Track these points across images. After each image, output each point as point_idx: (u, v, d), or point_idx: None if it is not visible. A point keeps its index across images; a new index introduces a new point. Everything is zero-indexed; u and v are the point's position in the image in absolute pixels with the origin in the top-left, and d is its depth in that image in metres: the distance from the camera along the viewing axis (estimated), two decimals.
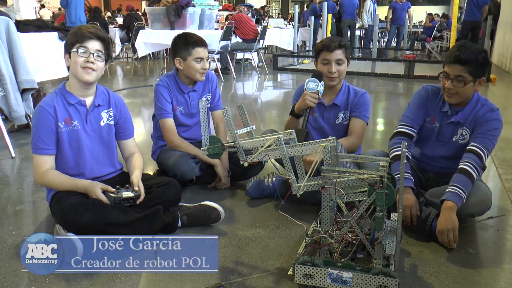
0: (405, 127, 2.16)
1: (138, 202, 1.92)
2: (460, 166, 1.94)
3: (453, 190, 1.87)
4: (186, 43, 2.48)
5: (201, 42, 2.51)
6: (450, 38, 13.03)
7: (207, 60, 2.53)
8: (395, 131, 2.19)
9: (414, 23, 20.54)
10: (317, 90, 2.14)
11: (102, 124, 2.04)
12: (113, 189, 1.91)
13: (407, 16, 11.98)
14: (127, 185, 1.95)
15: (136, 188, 1.95)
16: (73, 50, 1.89)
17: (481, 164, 1.96)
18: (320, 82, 2.14)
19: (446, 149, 2.14)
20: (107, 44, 1.96)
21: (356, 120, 2.41)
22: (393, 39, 12.05)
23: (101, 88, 2.06)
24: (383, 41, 14.43)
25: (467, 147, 2.00)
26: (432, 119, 2.16)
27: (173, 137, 2.52)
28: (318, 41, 2.55)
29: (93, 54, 1.89)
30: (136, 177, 2.00)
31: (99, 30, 1.95)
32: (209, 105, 2.67)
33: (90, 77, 1.92)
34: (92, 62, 1.89)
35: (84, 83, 1.95)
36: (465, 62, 1.93)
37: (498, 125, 2.03)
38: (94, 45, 1.90)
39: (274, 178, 2.42)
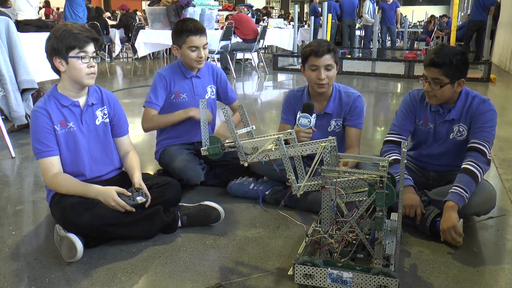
0: (393, 136, 2.19)
1: (146, 205, 1.91)
2: (463, 166, 1.95)
3: (454, 191, 1.89)
4: (180, 31, 2.44)
5: (196, 30, 2.43)
6: (441, 38, 13.08)
7: (204, 48, 2.47)
8: (384, 140, 2.22)
9: (414, 23, 20.57)
10: (311, 126, 2.07)
11: (97, 123, 2.03)
12: (128, 193, 1.88)
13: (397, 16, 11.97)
14: (135, 188, 1.93)
15: (144, 191, 1.93)
16: (72, 55, 1.85)
17: (485, 159, 1.97)
18: (312, 115, 2.07)
19: (445, 147, 2.16)
20: (99, 42, 1.95)
21: (351, 130, 2.37)
22: (386, 39, 12.07)
23: (93, 87, 2.02)
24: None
25: (469, 145, 2.01)
26: (424, 121, 2.18)
27: (148, 124, 2.57)
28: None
29: (92, 58, 1.89)
30: (138, 179, 1.99)
31: (91, 31, 1.91)
32: (214, 96, 2.64)
33: (93, 81, 1.94)
34: (93, 66, 1.90)
35: (86, 86, 1.95)
36: (439, 65, 1.97)
37: (493, 115, 2.06)
38: (91, 47, 1.89)
39: (261, 186, 2.36)
